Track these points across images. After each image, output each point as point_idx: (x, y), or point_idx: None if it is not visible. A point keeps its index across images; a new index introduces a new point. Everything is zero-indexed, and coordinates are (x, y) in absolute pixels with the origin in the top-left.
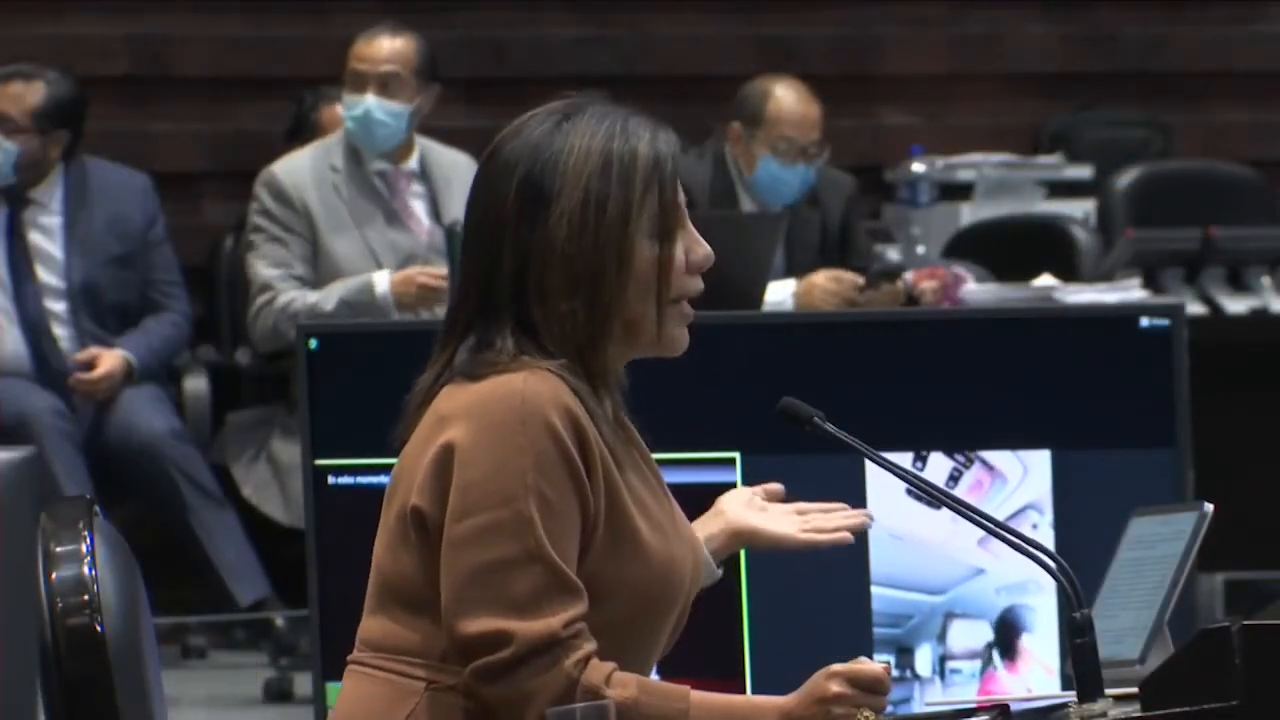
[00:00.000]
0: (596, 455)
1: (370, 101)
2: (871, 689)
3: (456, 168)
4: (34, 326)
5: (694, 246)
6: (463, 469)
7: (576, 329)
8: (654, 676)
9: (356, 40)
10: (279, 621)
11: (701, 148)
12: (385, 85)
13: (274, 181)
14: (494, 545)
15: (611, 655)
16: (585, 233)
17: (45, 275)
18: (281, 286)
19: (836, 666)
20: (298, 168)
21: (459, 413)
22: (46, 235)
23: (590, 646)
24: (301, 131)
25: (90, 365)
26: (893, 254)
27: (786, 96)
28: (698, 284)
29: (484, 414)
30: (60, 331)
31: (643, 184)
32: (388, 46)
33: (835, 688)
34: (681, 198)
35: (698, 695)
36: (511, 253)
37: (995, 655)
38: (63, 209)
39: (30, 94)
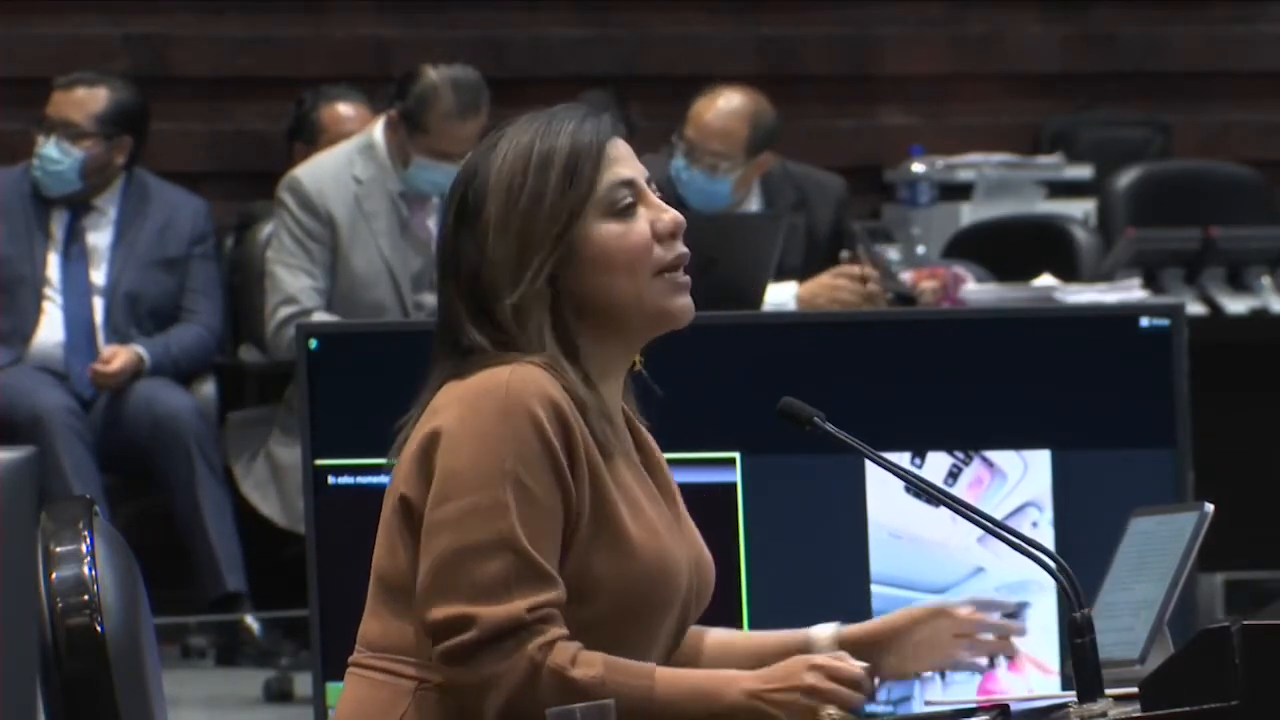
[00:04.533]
0: (581, 447)
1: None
2: (850, 687)
3: None
4: (76, 326)
5: (659, 215)
6: (445, 455)
7: (519, 322)
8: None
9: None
10: (251, 622)
11: (671, 147)
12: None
13: (300, 188)
14: (468, 530)
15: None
16: (507, 230)
17: (93, 277)
18: (309, 303)
19: (819, 658)
20: (321, 175)
21: (447, 404)
22: (99, 240)
23: (558, 631)
24: (301, 131)
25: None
26: (893, 254)
27: (710, 101)
28: (675, 250)
29: (469, 404)
30: (98, 332)
31: (561, 172)
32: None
33: (812, 679)
34: (624, 174)
35: (663, 671)
36: (462, 271)
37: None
38: (117, 216)
39: (94, 99)
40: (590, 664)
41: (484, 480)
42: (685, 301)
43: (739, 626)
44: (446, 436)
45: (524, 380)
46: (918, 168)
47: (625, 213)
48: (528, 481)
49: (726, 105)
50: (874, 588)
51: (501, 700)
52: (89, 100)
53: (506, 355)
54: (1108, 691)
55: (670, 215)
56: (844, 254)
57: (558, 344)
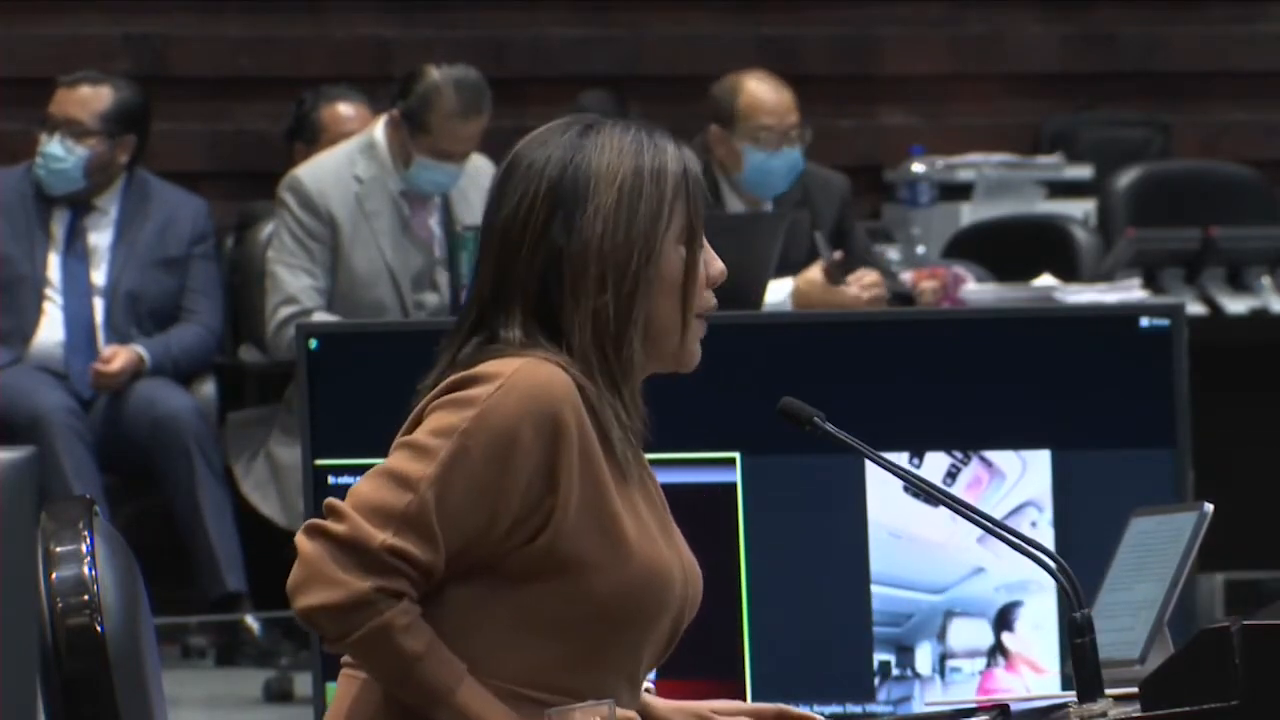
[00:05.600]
0: (574, 442)
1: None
2: None
3: (473, 172)
4: (76, 326)
5: (711, 261)
6: (430, 412)
7: (606, 323)
8: (649, 683)
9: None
10: (251, 622)
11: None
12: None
13: (300, 188)
14: (398, 458)
15: (587, 657)
16: (619, 230)
17: (94, 277)
18: (310, 303)
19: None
20: (322, 175)
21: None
22: (99, 240)
23: (409, 593)
24: (301, 131)
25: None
26: (893, 254)
27: (757, 87)
28: (713, 299)
29: (466, 380)
30: (98, 332)
31: (673, 190)
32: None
33: None
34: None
35: (473, 680)
36: (540, 253)
37: (997, 654)
38: (118, 216)
39: (98, 98)
40: (417, 637)
41: (440, 429)
42: (699, 352)
43: (739, 627)
44: (438, 401)
45: (530, 370)
46: (918, 168)
47: (697, 242)
48: (473, 449)
49: (766, 82)
50: (874, 588)
51: (310, 603)
52: (93, 99)
53: (525, 351)
54: (1108, 691)
55: (720, 265)
56: (837, 254)
57: (600, 348)
